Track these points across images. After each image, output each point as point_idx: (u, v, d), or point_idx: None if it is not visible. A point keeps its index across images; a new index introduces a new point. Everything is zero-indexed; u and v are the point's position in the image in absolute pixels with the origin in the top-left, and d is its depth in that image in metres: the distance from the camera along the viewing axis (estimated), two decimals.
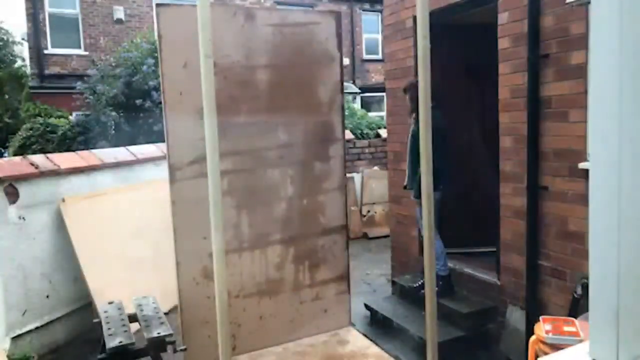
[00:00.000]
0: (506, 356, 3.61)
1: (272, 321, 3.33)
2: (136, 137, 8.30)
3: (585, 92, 3.03)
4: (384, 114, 9.93)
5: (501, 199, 3.79)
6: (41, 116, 10.82)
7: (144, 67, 8.81)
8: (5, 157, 9.35)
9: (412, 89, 3.87)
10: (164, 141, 3.12)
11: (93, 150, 5.08)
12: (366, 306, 4.56)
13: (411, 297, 4.38)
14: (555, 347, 2.29)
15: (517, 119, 3.58)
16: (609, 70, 0.79)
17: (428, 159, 2.71)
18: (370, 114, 11.32)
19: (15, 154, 8.91)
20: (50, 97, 13.09)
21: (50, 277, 4.06)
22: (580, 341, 1.92)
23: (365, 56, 18.73)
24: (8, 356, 3.44)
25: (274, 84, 3.23)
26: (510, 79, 3.62)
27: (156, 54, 3.55)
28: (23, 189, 3.84)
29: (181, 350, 2.82)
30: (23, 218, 3.85)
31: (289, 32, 3.25)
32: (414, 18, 4.26)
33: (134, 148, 5.42)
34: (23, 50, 14.45)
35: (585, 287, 2.99)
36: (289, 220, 3.36)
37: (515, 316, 3.63)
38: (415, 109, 3.68)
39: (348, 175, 4.61)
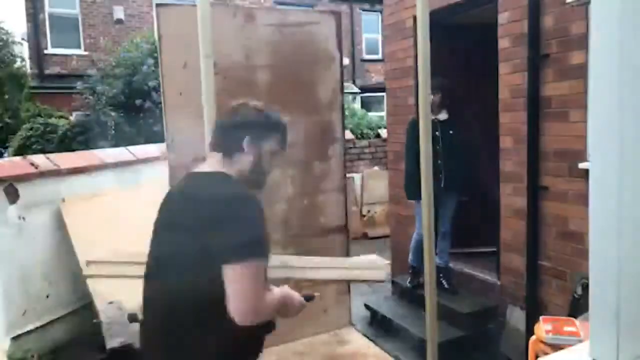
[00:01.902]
0: (506, 356, 3.61)
1: None
2: (136, 137, 8.30)
3: (585, 92, 3.03)
4: (384, 114, 9.94)
5: (501, 199, 3.79)
6: (41, 116, 10.81)
7: (144, 67, 8.81)
8: (5, 157, 9.35)
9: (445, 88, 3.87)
10: (164, 141, 3.12)
11: (93, 150, 5.08)
12: (366, 306, 4.55)
13: (411, 297, 4.38)
14: (555, 347, 2.29)
15: (517, 119, 3.58)
16: (609, 70, 0.79)
17: (428, 159, 2.71)
18: (370, 114, 11.31)
19: (15, 154, 8.91)
20: (50, 97, 13.08)
21: (50, 277, 4.06)
22: (580, 341, 1.92)
23: (365, 56, 18.72)
24: (8, 356, 3.44)
25: (274, 84, 3.23)
26: (510, 79, 3.62)
27: (156, 54, 3.56)
28: (23, 189, 3.84)
29: None
30: (23, 218, 3.84)
31: (288, 32, 3.25)
32: (414, 18, 4.26)
33: (134, 148, 5.41)
34: (23, 50, 14.45)
35: (585, 287, 2.99)
36: (289, 220, 3.36)
37: (515, 316, 3.63)
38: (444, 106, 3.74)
39: (348, 175, 4.61)
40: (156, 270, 1.57)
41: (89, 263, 2.06)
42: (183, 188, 1.63)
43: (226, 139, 1.60)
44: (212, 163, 1.60)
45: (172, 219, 1.59)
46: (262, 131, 1.61)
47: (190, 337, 1.42)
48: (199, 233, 1.41)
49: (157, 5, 2.98)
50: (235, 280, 1.36)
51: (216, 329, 1.41)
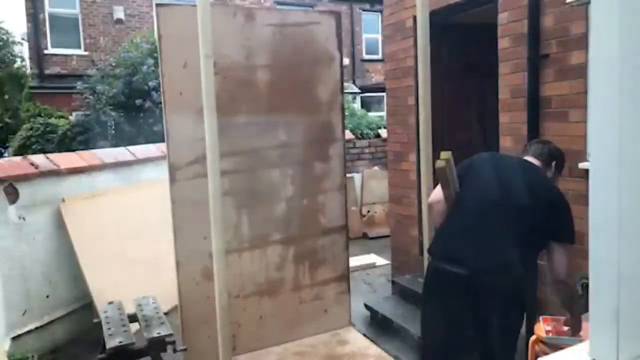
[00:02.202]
0: None
1: (272, 321, 3.33)
2: (136, 137, 8.31)
3: (585, 92, 3.03)
4: (384, 114, 9.95)
5: None
6: (41, 116, 10.81)
7: (144, 67, 8.81)
8: (5, 157, 9.35)
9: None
10: (164, 141, 3.12)
11: (93, 150, 5.08)
12: (366, 306, 4.56)
13: (411, 297, 4.38)
14: (555, 347, 2.29)
15: (517, 119, 3.58)
16: (609, 70, 0.79)
17: (428, 161, 2.72)
18: (370, 114, 11.32)
19: (15, 154, 8.91)
20: (50, 97, 13.09)
21: (50, 277, 4.06)
22: (580, 341, 1.92)
23: (365, 56, 18.72)
24: (8, 356, 3.44)
25: (274, 84, 3.23)
26: (510, 79, 3.62)
27: (156, 54, 3.56)
28: (23, 189, 3.84)
29: (181, 350, 2.82)
30: (23, 218, 3.85)
31: (289, 32, 3.25)
32: (414, 18, 4.26)
33: (134, 148, 5.42)
34: (23, 50, 14.47)
35: (585, 287, 2.99)
36: (289, 220, 3.36)
37: None
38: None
39: (348, 175, 4.61)
40: (514, 197, 2.32)
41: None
42: (533, 169, 2.45)
43: (546, 157, 2.50)
44: (532, 159, 2.50)
45: (514, 182, 2.36)
46: (561, 164, 2.57)
47: (526, 232, 2.29)
48: (542, 209, 2.29)
49: (157, 5, 2.97)
50: (564, 253, 2.30)
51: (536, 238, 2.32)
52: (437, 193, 2.50)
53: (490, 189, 2.37)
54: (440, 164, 2.36)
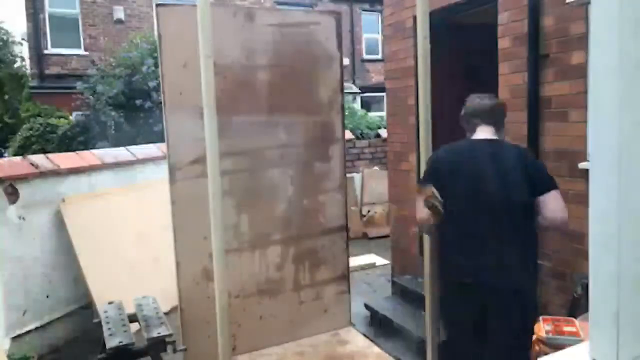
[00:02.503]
0: None
1: (272, 321, 3.33)
2: (136, 137, 8.30)
3: (585, 92, 3.03)
4: (384, 114, 9.94)
5: None
6: (41, 116, 10.82)
7: (144, 67, 8.81)
8: (5, 157, 9.35)
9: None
10: (164, 141, 3.12)
11: (93, 150, 5.08)
12: (366, 306, 4.56)
13: (411, 297, 4.38)
14: (555, 347, 2.29)
15: (517, 119, 3.58)
16: (609, 70, 0.79)
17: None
18: (370, 114, 11.31)
19: (15, 154, 8.92)
20: (50, 97, 13.09)
21: (50, 277, 4.06)
22: (580, 341, 1.92)
23: (365, 56, 18.72)
24: (8, 356, 3.44)
25: (274, 84, 3.23)
26: (510, 79, 3.62)
27: (156, 54, 3.56)
28: (23, 189, 3.84)
29: (181, 350, 2.82)
30: (23, 218, 3.85)
31: (289, 32, 3.25)
32: (414, 18, 4.25)
33: (134, 148, 5.42)
34: (23, 50, 14.46)
35: (585, 287, 2.99)
36: (289, 220, 3.36)
37: None
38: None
39: (348, 175, 4.61)
40: (497, 191, 2.33)
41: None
42: (498, 147, 2.44)
43: (499, 119, 2.53)
44: (489, 133, 2.48)
45: (498, 163, 2.37)
46: (505, 114, 2.61)
47: (521, 223, 2.33)
48: (524, 172, 2.32)
49: (157, 5, 2.97)
50: (557, 198, 2.31)
51: (531, 222, 2.35)
52: (423, 211, 2.42)
53: (475, 194, 2.36)
54: (428, 204, 2.32)
